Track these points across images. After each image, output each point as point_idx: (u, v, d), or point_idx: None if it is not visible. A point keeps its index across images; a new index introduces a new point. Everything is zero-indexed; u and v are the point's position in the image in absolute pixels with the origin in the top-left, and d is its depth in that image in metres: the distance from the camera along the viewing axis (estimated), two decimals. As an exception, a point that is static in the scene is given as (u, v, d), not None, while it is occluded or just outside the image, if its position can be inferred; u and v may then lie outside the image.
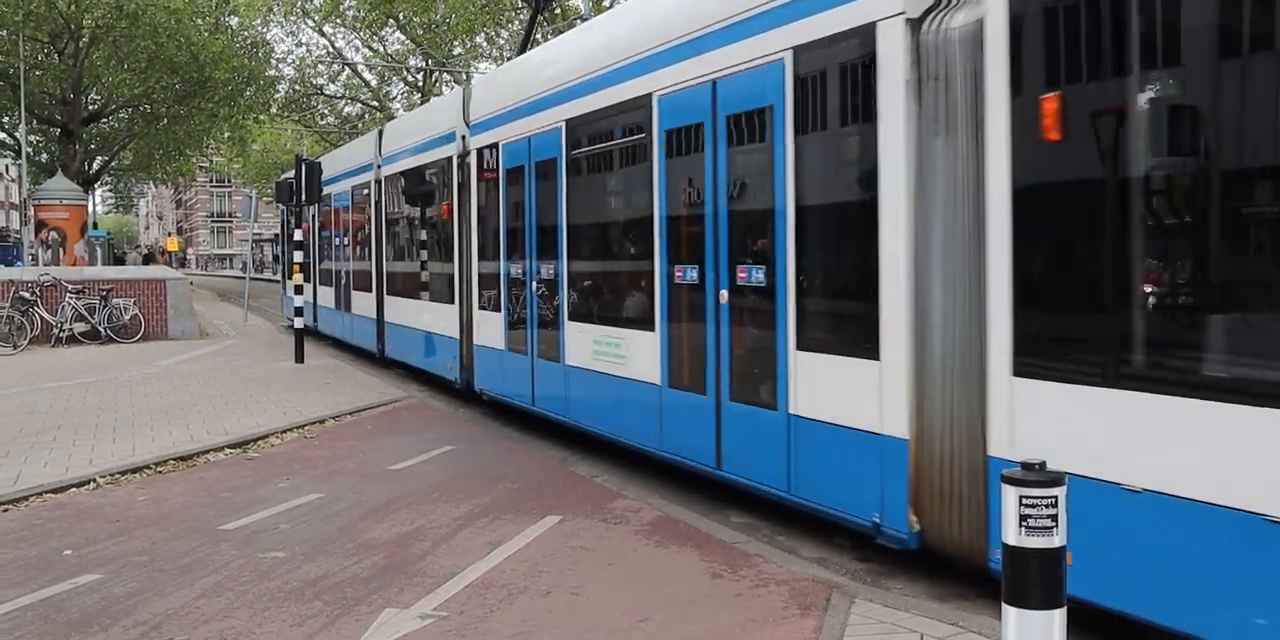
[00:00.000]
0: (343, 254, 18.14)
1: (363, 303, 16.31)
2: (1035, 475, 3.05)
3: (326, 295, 19.58)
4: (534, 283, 9.36)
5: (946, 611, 4.80)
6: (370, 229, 15.76)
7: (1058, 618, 3.06)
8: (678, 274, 7.04)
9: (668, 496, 7.33)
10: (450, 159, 11.72)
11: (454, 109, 11.81)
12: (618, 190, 8.28)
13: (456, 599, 5.05)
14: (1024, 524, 3.04)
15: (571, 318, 8.65)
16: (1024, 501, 3.04)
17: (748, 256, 6.37)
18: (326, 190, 18.32)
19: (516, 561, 5.65)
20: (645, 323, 7.48)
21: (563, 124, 8.69)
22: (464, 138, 11.32)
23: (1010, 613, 3.08)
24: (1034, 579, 3.05)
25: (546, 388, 9.24)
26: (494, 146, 10.26)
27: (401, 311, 14.23)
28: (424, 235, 13.52)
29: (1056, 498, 3.03)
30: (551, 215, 8.92)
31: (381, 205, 15.23)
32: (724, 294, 6.49)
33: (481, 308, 10.84)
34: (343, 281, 17.96)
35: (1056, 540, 3.03)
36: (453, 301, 11.69)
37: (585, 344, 8.39)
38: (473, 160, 10.94)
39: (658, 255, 7.27)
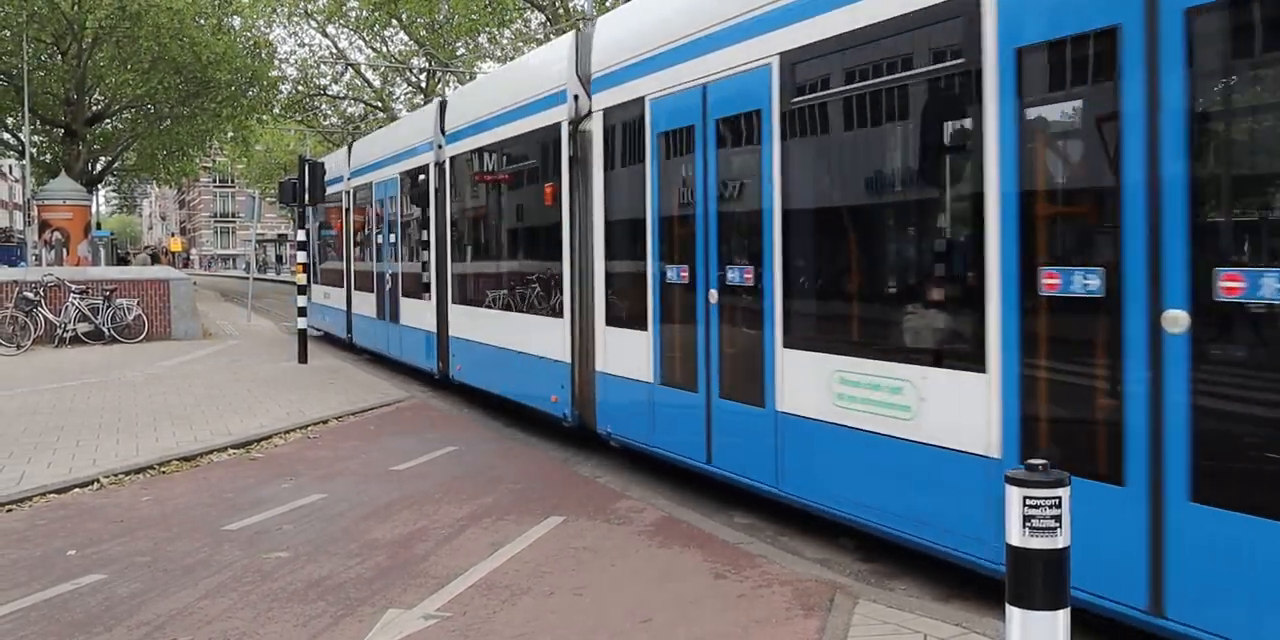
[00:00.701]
0: (387, 253, 15.06)
1: (416, 313, 13.45)
2: (1039, 476, 3.05)
3: (365, 302, 16.42)
4: (712, 290, 6.73)
5: (950, 612, 4.80)
6: (428, 222, 12.85)
7: (1061, 618, 3.06)
8: (1047, 281, 4.43)
9: (671, 497, 7.33)
10: (556, 127, 8.94)
11: (560, 62, 9.02)
12: (898, 152, 5.55)
13: (460, 599, 5.05)
14: (1027, 524, 3.04)
15: (790, 343, 6.02)
16: (1028, 502, 3.04)
17: (1250, 254, 3.93)
18: (365, 178, 16.18)
19: (520, 562, 5.65)
20: (963, 357, 4.89)
21: (775, 60, 6.04)
22: (577, 98, 8.68)
23: (1014, 613, 3.09)
24: (1038, 580, 3.05)
25: (737, 442, 6.58)
26: (634, 104, 7.64)
27: (475, 324, 11.21)
28: (510, 228, 10.75)
29: (1060, 498, 3.04)
30: (751, 194, 6.38)
31: (444, 193, 12.15)
32: (1176, 318, 3.95)
33: (612, 323, 8.11)
34: (388, 286, 14.88)
35: (1060, 541, 3.04)
36: (560, 313, 8.89)
37: (820, 383, 5.76)
38: (595, 125, 8.27)
39: (994, 251, 4.66)
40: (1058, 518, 3.02)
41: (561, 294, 8.89)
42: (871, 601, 4.87)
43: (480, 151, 11.09)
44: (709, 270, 6.79)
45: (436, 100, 13.44)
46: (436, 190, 12.44)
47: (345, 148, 18.61)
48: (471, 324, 11.36)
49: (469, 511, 6.82)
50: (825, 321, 6.09)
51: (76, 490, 7.60)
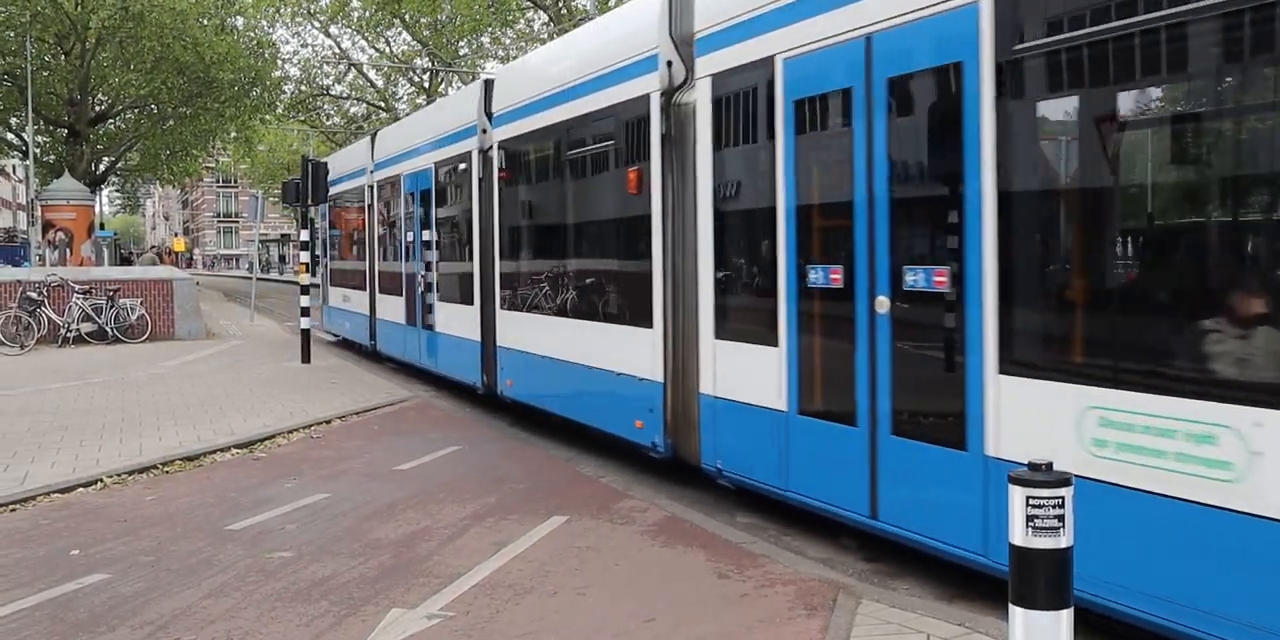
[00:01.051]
0: (419, 253, 13.42)
1: (456, 319, 11.97)
2: (1042, 475, 3.06)
3: (392, 307, 14.89)
4: (881, 297, 5.28)
5: (953, 612, 4.80)
6: (470, 218, 11.35)
7: (1064, 618, 3.06)
8: None
9: (674, 496, 7.33)
10: (644, 101, 7.54)
11: (649, 22, 7.60)
12: (1214, 105, 4.00)
13: (463, 599, 5.05)
14: (1030, 524, 3.04)
15: (1012, 368, 4.59)
16: (1031, 502, 3.04)
17: None
18: (392, 171, 14.72)
19: (523, 561, 5.65)
20: None
21: None
22: (671, 64, 7.37)
23: (1017, 613, 3.08)
24: (1040, 579, 3.05)
25: (920, 494, 5.14)
26: (758, 66, 6.20)
27: (532, 334, 9.74)
28: (578, 222, 9.12)
29: (1063, 498, 3.03)
30: (945, 172, 4.97)
31: (490, 183, 10.68)
32: None
33: (725, 336, 6.64)
34: (419, 289, 13.37)
35: (1063, 541, 3.04)
36: (648, 322, 7.48)
37: (1064, 424, 4.31)
38: (700, 95, 6.84)
39: None
40: (1061, 517, 3.03)
41: (650, 299, 7.46)
42: (874, 601, 4.87)
43: (538, 134, 9.52)
44: (875, 271, 5.31)
45: (479, 79, 11.92)
46: (481, 181, 11.02)
47: (367, 138, 17.19)
48: (527, 333, 9.84)
49: (472, 511, 6.82)
50: (1072, 340, 4.53)
51: (80, 490, 7.60)
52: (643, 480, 7.87)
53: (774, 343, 6.13)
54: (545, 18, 33.29)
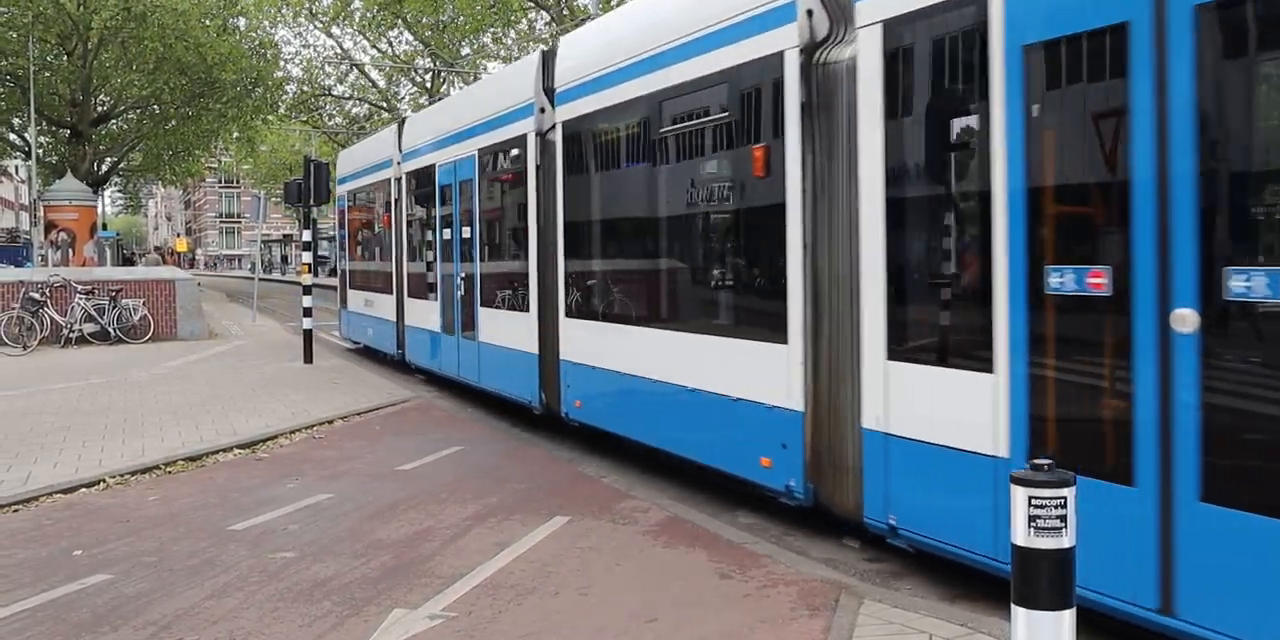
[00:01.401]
0: (458, 252, 11.85)
1: (506, 327, 10.44)
2: (1044, 475, 3.06)
3: (424, 312, 13.39)
4: (1182, 311, 3.90)
5: (955, 612, 4.80)
6: (524, 211, 9.89)
7: (1067, 618, 3.06)
8: None
9: (676, 496, 7.33)
10: (774, 62, 6.09)
11: None
12: None
13: (465, 599, 5.05)
14: (1033, 524, 3.04)
15: None
16: (1033, 502, 3.04)
17: None
18: (424, 160, 13.18)
19: (525, 562, 5.65)
20: None
21: None
22: (810, 13, 5.96)
23: (1019, 613, 3.08)
24: (1043, 579, 3.05)
25: (1248, 587, 3.73)
26: (956, 6, 4.86)
27: (610, 346, 8.23)
28: (676, 214, 7.47)
29: (1065, 498, 3.03)
30: None
31: (551, 170, 9.24)
32: None
33: (905, 357, 5.25)
34: (459, 293, 11.73)
35: (1066, 541, 3.04)
36: (778, 336, 6.09)
37: None
38: (863, 49, 5.41)
39: None
40: (1063, 518, 3.02)
41: (783, 307, 6.07)
42: (877, 601, 4.87)
43: (617, 110, 8.05)
44: (1170, 275, 3.94)
45: (536, 52, 10.29)
46: (539, 168, 9.55)
47: (393, 126, 15.77)
48: (603, 346, 8.34)
49: (474, 511, 6.83)
50: None
51: (83, 490, 7.61)
52: (645, 480, 7.87)
53: (988, 368, 4.71)
54: (547, 18, 33.31)
